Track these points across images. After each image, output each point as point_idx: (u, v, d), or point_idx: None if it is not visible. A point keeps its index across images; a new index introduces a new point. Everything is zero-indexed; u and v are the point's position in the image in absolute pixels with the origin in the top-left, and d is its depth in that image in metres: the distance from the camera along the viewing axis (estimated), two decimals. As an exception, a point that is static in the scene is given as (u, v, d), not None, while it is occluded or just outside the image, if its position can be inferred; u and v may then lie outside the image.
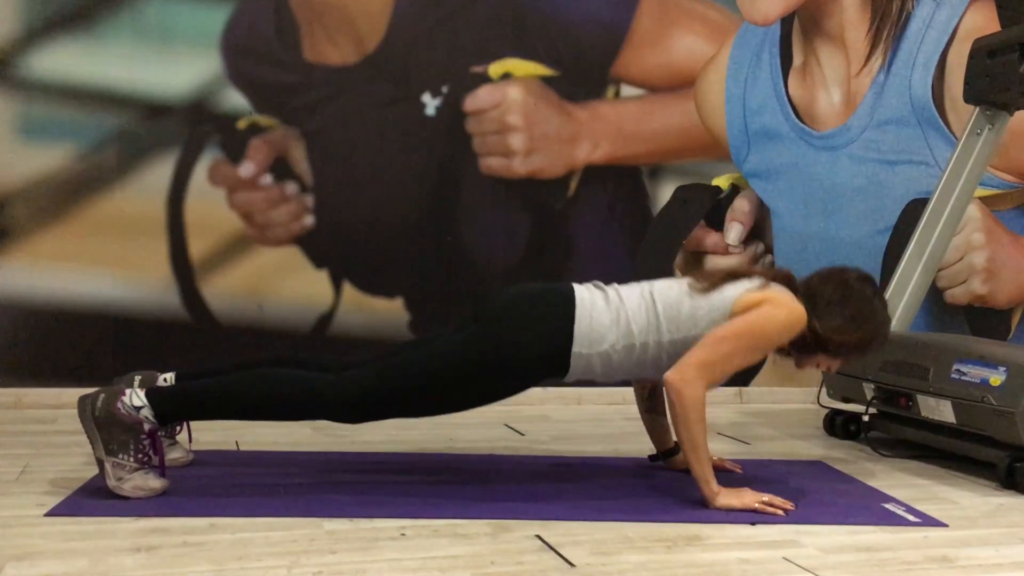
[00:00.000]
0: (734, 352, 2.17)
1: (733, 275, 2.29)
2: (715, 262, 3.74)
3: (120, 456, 2.06)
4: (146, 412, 2.09)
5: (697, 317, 2.21)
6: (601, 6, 3.57)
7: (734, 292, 2.23)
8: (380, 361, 2.23)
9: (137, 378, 2.35)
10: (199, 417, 2.23)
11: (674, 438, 2.55)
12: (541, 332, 2.19)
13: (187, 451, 2.42)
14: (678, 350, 2.21)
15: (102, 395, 2.08)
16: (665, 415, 2.53)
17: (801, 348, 2.28)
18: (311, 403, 2.17)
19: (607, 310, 2.21)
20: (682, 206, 3.69)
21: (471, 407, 2.28)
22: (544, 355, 2.20)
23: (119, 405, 2.07)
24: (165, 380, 2.36)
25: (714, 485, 2.18)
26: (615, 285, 2.30)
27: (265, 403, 2.18)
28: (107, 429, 2.05)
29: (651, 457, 2.61)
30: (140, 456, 2.08)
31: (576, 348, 2.19)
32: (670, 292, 2.25)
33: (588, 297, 2.23)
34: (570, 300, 2.21)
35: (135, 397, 2.09)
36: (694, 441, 2.15)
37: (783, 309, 2.20)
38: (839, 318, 2.25)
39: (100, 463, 2.07)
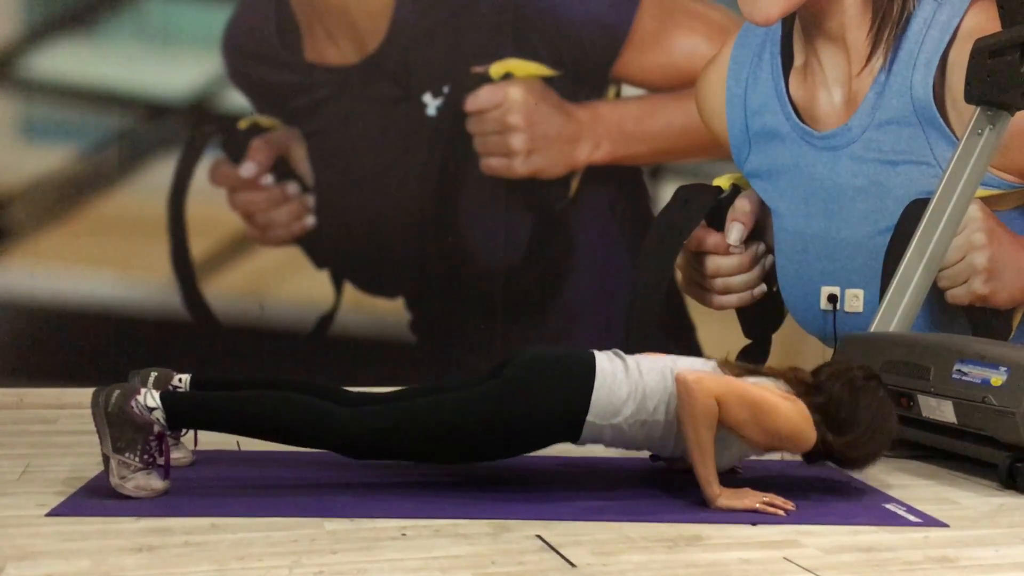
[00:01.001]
0: (746, 407, 2.18)
1: (757, 371, 2.33)
2: (716, 262, 3.74)
3: (126, 455, 2.06)
4: (158, 414, 2.09)
5: None
6: (602, 6, 3.57)
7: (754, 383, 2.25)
8: (396, 403, 2.25)
9: (153, 375, 2.36)
10: (209, 428, 2.24)
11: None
12: (559, 398, 2.22)
13: (189, 451, 2.42)
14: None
15: (117, 391, 2.08)
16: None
17: (811, 456, 2.31)
18: (323, 434, 2.19)
19: (626, 383, 2.23)
20: (683, 206, 3.69)
21: (476, 461, 2.32)
22: (558, 421, 2.23)
23: (133, 404, 2.07)
24: (180, 380, 2.38)
25: (716, 486, 2.19)
26: (637, 357, 2.31)
27: (277, 427, 2.20)
28: (118, 426, 2.06)
29: (652, 457, 2.61)
30: (146, 456, 2.08)
31: (591, 418, 2.22)
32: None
33: (609, 368, 2.25)
34: (591, 369, 2.23)
35: (150, 398, 2.10)
36: (700, 441, 2.16)
37: (801, 418, 2.22)
38: (851, 433, 2.27)
39: (106, 459, 2.08)
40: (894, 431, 2.36)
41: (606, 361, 2.27)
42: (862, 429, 2.28)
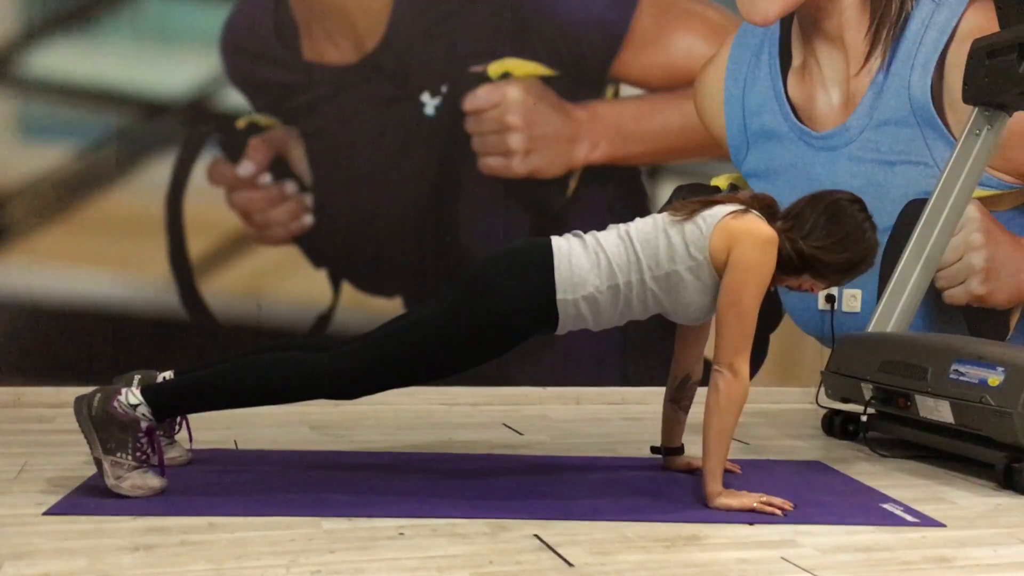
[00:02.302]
0: (748, 311, 2.17)
1: (710, 203, 2.29)
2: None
3: (118, 455, 2.06)
4: (143, 410, 2.09)
5: (675, 251, 2.21)
6: (600, 6, 3.57)
7: (711, 222, 2.21)
8: (370, 334, 2.22)
9: (136, 377, 2.35)
10: (196, 409, 2.22)
11: (682, 439, 2.56)
12: (523, 283, 2.19)
13: (185, 450, 2.42)
14: (662, 287, 2.21)
15: (98, 394, 2.08)
16: (686, 412, 2.53)
17: (787, 268, 2.28)
18: (307, 382, 2.16)
19: (585, 254, 2.21)
20: (681, 206, 3.69)
21: (466, 368, 2.25)
22: (530, 305, 2.19)
23: (115, 404, 2.07)
24: (164, 379, 2.36)
25: (719, 483, 2.19)
26: (593, 232, 2.30)
27: (261, 387, 2.16)
28: (104, 428, 2.05)
29: (653, 448, 2.61)
30: (138, 455, 2.08)
31: (560, 295, 2.19)
32: (646, 229, 2.25)
33: (565, 245, 2.24)
34: (547, 249, 2.22)
35: (131, 395, 2.09)
36: (724, 433, 2.18)
37: (755, 244, 2.18)
38: (827, 238, 2.25)
39: (98, 462, 2.07)
40: (873, 247, 2.31)
41: (562, 241, 2.25)
42: (838, 236, 2.25)
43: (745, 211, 2.24)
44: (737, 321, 2.18)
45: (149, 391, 2.12)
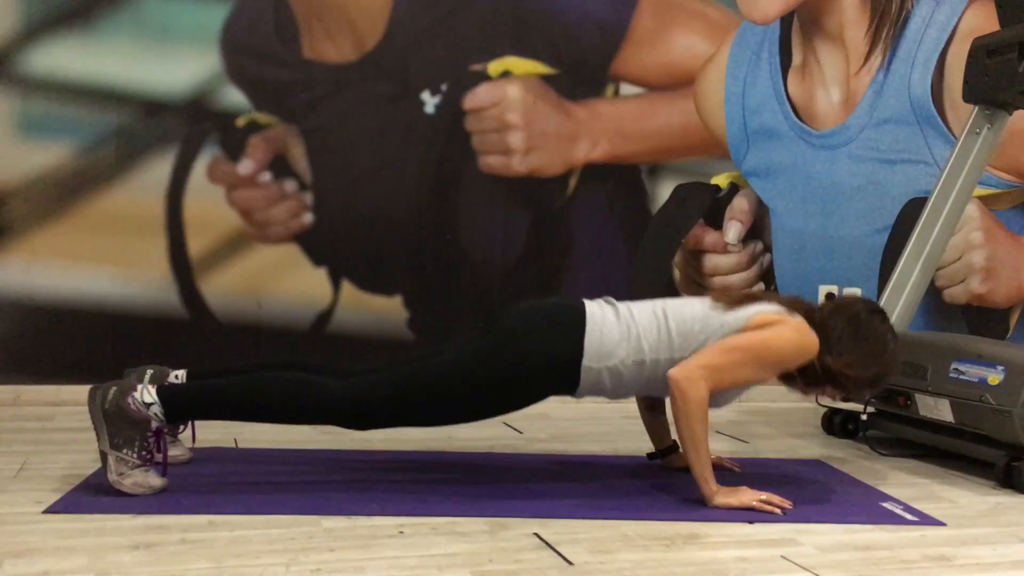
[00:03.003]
0: (742, 362, 2.17)
1: (753, 297, 2.31)
2: (714, 260, 3.74)
3: (124, 451, 2.06)
4: (156, 410, 2.09)
5: (709, 335, 2.21)
6: (600, 4, 3.57)
7: (750, 311, 2.23)
8: (391, 369, 2.24)
9: (149, 372, 2.35)
10: (208, 417, 2.23)
11: (673, 436, 2.56)
12: (552, 345, 2.20)
13: (187, 449, 2.42)
14: None
15: (113, 388, 2.08)
16: (665, 414, 2.53)
17: (809, 379, 2.29)
18: (321, 407, 2.18)
19: (617, 325, 2.22)
20: (681, 205, 3.70)
21: (479, 418, 2.29)
22: (554, 368, 2.21)
23: (130, 400, 2.07)
24: (177, 377, 2.36)
25: (713, 484, 2.19)
26: (627, 302, 2.31)
27: (275, 407, 2.18)
28: (115, 423, 2.05)
29: (649, 455, 2.61)
30: (144, 453, 2.08)
31: (586, 362, 2.20)
32: (683, 310, 2.26)
33: (599, 312, 2.24)
34: (581, 314, 2.22)
35: (146, 394, 2.09)
36: (695, 439, 2.16)
37: (797, 333, 2.21)
38: (852, 353, 2.26)
39: (103, 455, 2.07)
40: (896, 357, 2.32)
41: (596, 307, 2.26)
42: (862, 352, 2.26)
43: (789, 312, 2.25)
44: (724, 354, 2.17)
45: (165, 392, 2.12)
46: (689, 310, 2.26)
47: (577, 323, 2.21)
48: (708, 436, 2.18)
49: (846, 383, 2.28)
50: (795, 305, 2.30)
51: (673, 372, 2.17)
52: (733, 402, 2.28)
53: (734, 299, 2.28)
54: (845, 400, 2.46)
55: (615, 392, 2.28)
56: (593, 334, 2.20)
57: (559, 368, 2.21)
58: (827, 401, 3.21)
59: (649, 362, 2.22)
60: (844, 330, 2.27)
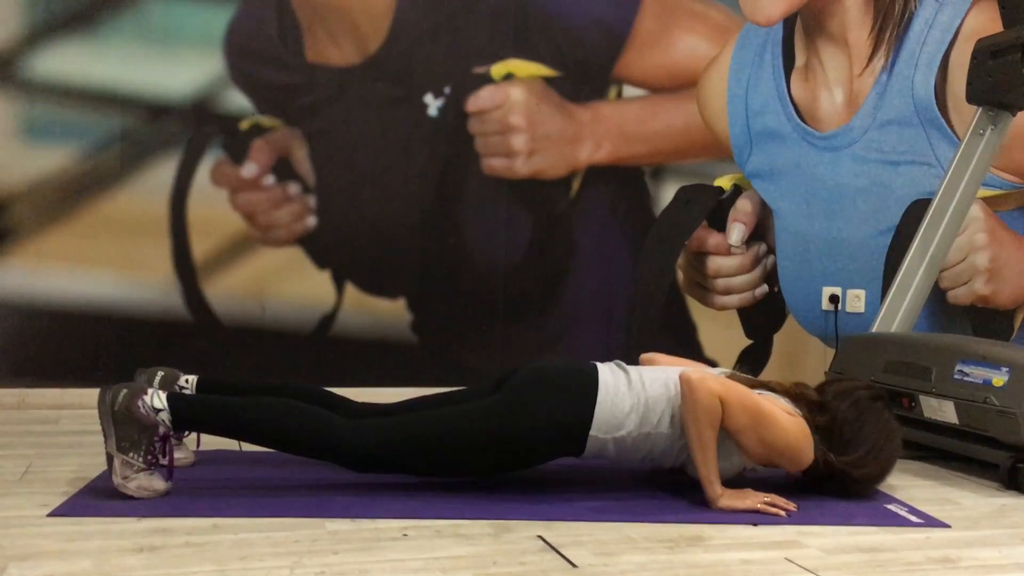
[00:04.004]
0: (748, 409, 2.17)
1: (761, 384, 2.32)
2: (717, 262, 3.74)
3: (130, 455, 2.06)
4: (164, 416, 2.09)
5: None
6: (603, 7, 3.57)
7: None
8: (399, 417, 2.25)
9: (160, 373, 2.36)
10: (214, 433, 2.24)
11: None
12: (562, 412, 2.21)
13: (191, 452, 2.43)
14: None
15: (124, 391, 2.08)
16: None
17: (812, 473, 2.29)
18: (327, 446, 2.18)
19: (629, 395, 2.23)
20: (684, 207, 3.69)
21: (480, 476, 2.30)
22: (561, 436, 2.23)
23: (139, 404, 2.07)
24: (187, 381, 2.38)
25: (718, 486, 2.19)
26: (640, 369, 2.31)
27: (280, 437, 2.20)
28: (123, 426, 2.06)
29: (652, 460, 2.61)
30: (149, 457, 2.08)
31: (594, 432, 2.21)
32: None
33: (612, 381, 2.24)
34: (594, 383, 2.23)
35: (156, 399, 2.09)
36: (702, 441, 2.16)
37: (801, 435, 2.22)
38: (855, 452, 2.28)
39: (109, 458, 2.08)
40: (898, 453, 2.36)
41: (608, 374, 2.26)
42: (866, 449, 2.28)
43: (793, 412, 2.25)
44: (739, 390, 2.18)
45: (175, 400, 2.13)
46: None
47: (590, 392, 2.22)
48: (716, 439, 2.18)
49: (849, 483, 2.30)
50: (799, 401, 2.31)
51: (687, 372, 2.18)
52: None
53: (745, 381, 2.30)
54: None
55: (619, 459, 2.30)
56: (604, 405, 2.21)
57: (567, 436, 2.23)
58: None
59: (655, 435, 2.23)
60: (847, 427, 2.28)
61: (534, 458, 2.27)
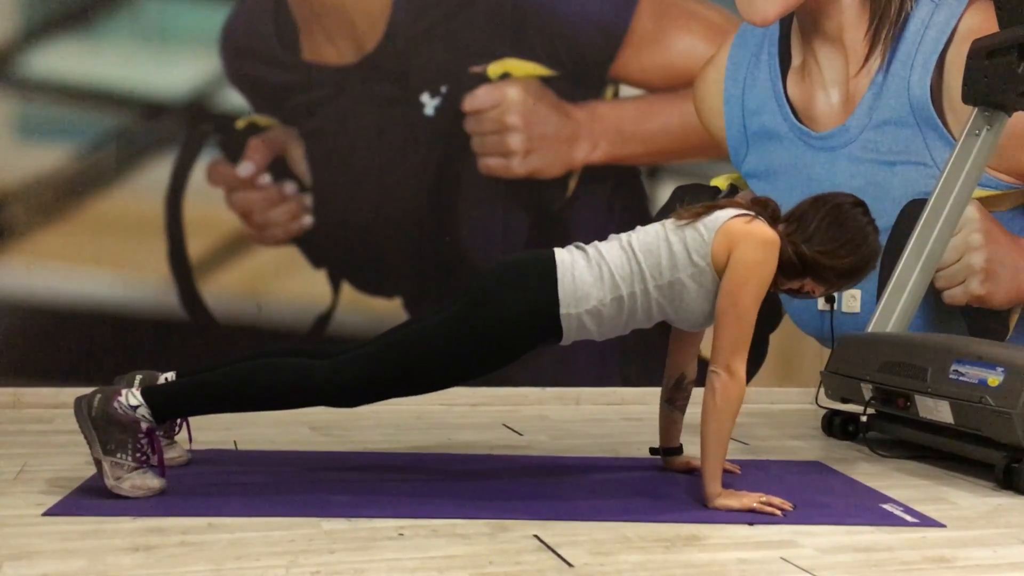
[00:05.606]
0: (747, 312, 2.16)
1: (711, 208, 2.27)
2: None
3: (118, 455, 2.06)
4: (143, 411, 2.08)
5: (677, 259, 2.20)
6: (600, 6, 3.57)
7: (712, 227, 2.21)
8: (373, 343, 2.22)
9: (138, 377, 2.35)
10: (196, 412, 2.22)
11: (681, 438, 2.56)
12: (526, 298, 2.19)
13: (185, 451, 2.42)
14: (666, 295, 2.21)
15: (98, 395, 2.08)
16: (682, 412, 2.53)
17: (788, 272, 2.27)
18: (306, 389, 2.16)
19: (588, 268, 2.21)
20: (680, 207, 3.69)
21: (468, 379, 2.25)
22: (533, 319, 2.20)
23: (116, 405, 2.06)
24: (166, 380, 2.36)
25: (718, 485, 2.19)
26: (596, 243, 2.29)
27: (261, 392, 2.16)
28: (104, 429, 2.05)
29: (652, 449, 2.61)
30: (138, 455, 2.07)
31: (563, 309, 2.19)
32: (648, 239, 2.24)
33: (569, 258, 2.23)
34: (551, 263, 2.21)
35: (131, 396, 2.09)
36: (721, 435, 2.17)
37: (756, 245, 2.18)
38: (831, 242, 2.25)
39: (98, 463, 2.07)
40: (876, 252, 2.30)
41: (565, 253, 2.25)
42: (842, 238, 2.24)
43: (746, 215, 2.24)
44: (735, 322, 2.17)
45: (149, 392, 2.11)
46: (653, 236, 2.24)
47: (548, 272, 2.20)
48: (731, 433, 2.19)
49: (823, 272, 2.26)
50: (755, 205, 2.29)
51: (716, 369, 2.17)
52: None
53: (695, 212, 2.26)
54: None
55: (601, 333, 2.26)
56: (566, 280, 2.19)
57: (538, 319, 2.20)
58: (827, 402, 3.21)
59: (626, 297, 2.21)
60: (823, 219, 2.26)
61: (515, 349, 2.22)
